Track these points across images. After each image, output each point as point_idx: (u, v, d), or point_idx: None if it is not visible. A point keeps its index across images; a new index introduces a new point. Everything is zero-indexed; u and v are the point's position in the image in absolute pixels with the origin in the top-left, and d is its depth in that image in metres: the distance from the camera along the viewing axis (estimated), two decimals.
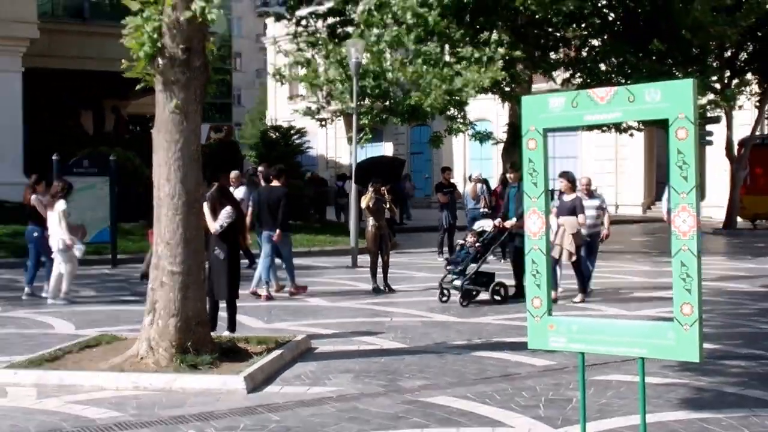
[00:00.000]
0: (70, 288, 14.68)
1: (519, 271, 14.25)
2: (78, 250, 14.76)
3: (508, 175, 15.85)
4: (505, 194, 21.22)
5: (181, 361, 8.91)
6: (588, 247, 14.46)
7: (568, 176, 14.95)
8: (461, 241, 14.96)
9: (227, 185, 15.40)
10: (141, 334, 9.38)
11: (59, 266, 14.49)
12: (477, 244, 14.21)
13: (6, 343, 10.92)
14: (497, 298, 14.00)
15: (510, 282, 14.34)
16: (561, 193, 14.46)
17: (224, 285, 10.65)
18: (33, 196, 15.28)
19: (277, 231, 14.78)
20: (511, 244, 15.03)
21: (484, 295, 14.12)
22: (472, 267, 13.94)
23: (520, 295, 13.85)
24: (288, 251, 15.77)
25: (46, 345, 10.47)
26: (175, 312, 9.15)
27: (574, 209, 14.01)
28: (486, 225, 14.91)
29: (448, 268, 14.55)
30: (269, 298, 14.94)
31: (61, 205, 14.46)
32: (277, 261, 15.59)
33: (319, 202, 33.87)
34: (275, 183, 15.97)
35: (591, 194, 15.18)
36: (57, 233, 14.39)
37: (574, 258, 14.02)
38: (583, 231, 14.14)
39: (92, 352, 9.81)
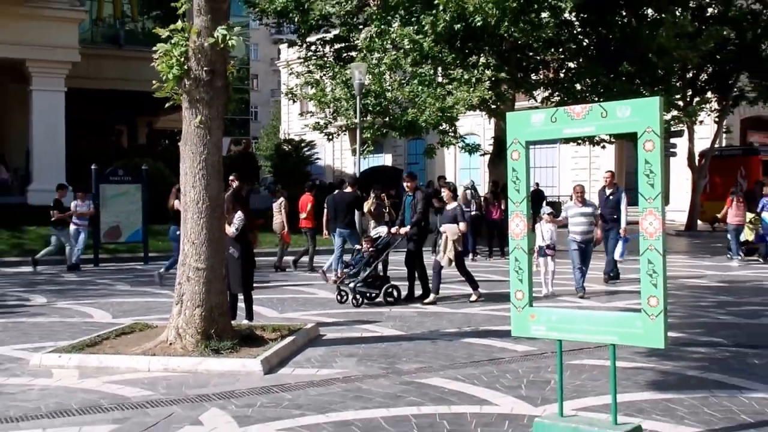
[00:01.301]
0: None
1: (411, 274, 14.07)
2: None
3: (404, 185, 15.22)
4: (470, 201, 21.46)
5: (205, 346, 8.95)
6: (582, 253, 13.99)
7: (449, 186, 14.69)
8: (358, 247, 14.58)
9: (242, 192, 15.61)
10: (170, 323, 9.42)
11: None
12: (371, 249, 13.81)
13: (51, 331, 10.94)
14: (390, 299, 13.50)
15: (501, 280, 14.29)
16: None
17: (239, 280, 10.66)
18: (176, 201, 15.27)
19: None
20: (410, 245, 14.28)
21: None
22: (365, 270, 13.48)
23: (411, 297, 13.80)
24: (354, 242, 16.20)
25: (86, 332, 10.51)
26: (200, 303, 9.20)
27: (455, 217, 13.61)
28: (381, 231, 14.54)
29: (344, 270, 14.45)
30: (335, 281, 15.18)
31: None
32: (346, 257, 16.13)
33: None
34: (348, 189, 16.91)
35: (584, 202, 14.35)
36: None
37: (453, 264, 13.51)
38: (578, 238, 13.86)
39: (127, 338, 9.84)
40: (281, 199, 19.04)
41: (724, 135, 34.85)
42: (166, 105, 9.78)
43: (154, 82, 9.54)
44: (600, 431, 5.30)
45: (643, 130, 5.11)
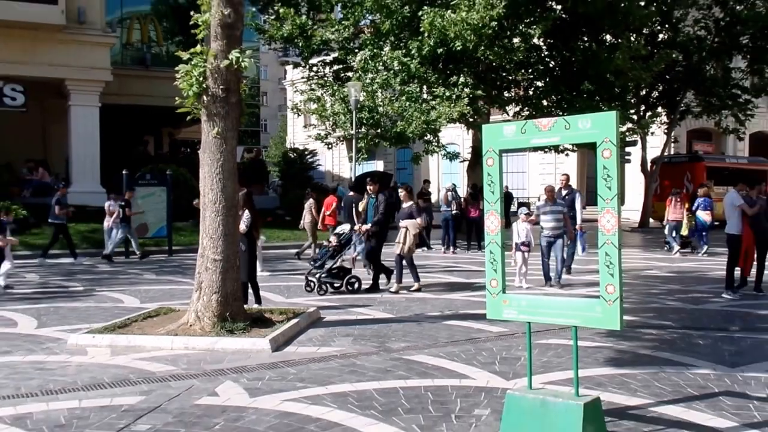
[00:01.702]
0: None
1: (377, 269, 13.79)
2: (259, 240, 15.26)
3: (368, 188, 14.94)
4: (452, 201, 21.48)
5: (221, 327, 8.98)
6: (551, 246, 13.64)
7: (405, 187, 14.70)
8: (326, 242, 14.35)
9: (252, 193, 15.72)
10: (190, 307, 9.43)
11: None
12: (335, 244, 13.65)
13: (87, 314, 10.92)
14: (350, 288, 13.28)
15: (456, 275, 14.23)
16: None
17: (245, 269, 10.62)
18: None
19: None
20: (368, 244, 14.20)
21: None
22: (329, 263, 13.28)
23: (374, 288, 13.46)
24: None
25: (117, 315, 10.51)
26: (216, 290, 9.21)
27: (411, 214, 13.60)
28: (345, 228, 14.39)
29: (310, 263, 14.29)
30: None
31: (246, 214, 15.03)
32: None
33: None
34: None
35: (554, 201, 14.05)
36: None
37: (413, 252, 13.50)
38: (548, 232, 13.61)
39: (153, 320, 9.83)
40: (310, 200, 19.13)
41: (673, 144, 34.96)
42: (187, 118, 9.79)
43: (176, 98, 9.57)
44: (564, 402, 5.29)
45: (601, 140, 5.10)
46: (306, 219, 19.05)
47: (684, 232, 20.70)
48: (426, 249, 21.61)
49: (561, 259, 13.80)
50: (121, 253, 19.86)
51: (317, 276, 13.17)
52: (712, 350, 8.37)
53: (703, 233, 20.28)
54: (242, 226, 10.58)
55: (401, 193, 14.37)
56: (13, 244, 14.23)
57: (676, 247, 20.53)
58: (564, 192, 15.97)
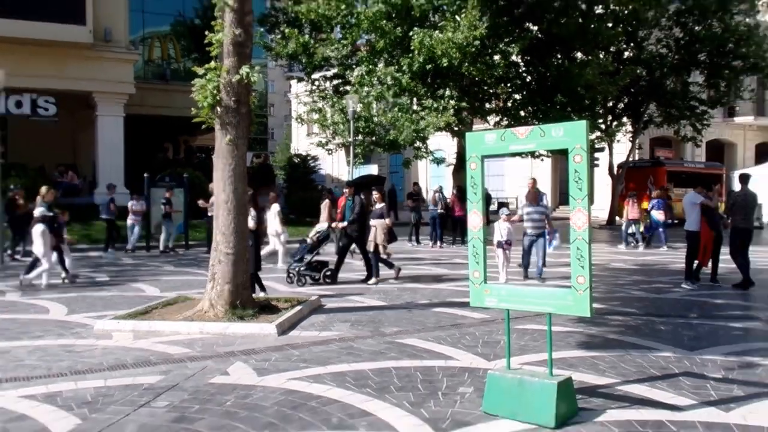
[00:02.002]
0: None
1: (339, 262, 13.60)
2: (283, 235, 16.19)
3: (344, 190, 14.98)
4: (439, 201, 21.53)
5: (232, 314, 9.00)
6: (533, 243, 13.32)
7: (379, 189, 14.69)
8: (306, 238, 14.07)
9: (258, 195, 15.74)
10: (205, 296, 9.43)
11: (275, 245, 16.10)
12: (313, 240, 13.52)
13: (112, 302, 10.92)
14: (328, 280, 13.15)
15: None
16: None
17: (252, 261, 10.60)
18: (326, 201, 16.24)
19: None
20: (344, 239, 14.10)
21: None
22: (308, 257, 13.19)
23: (334, 280, 13.25)
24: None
25: (139, 303, 10.50)
26: (228, 281, 9.22)
27: (382, 215, 13.60)
28: (323, 226, 14.35)
29: (289, 259, 14.21)
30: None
31: (276, 207, 16.02)
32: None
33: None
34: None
35: (537, 202, 13.69)
36: (273, 224, 15.77)
37: (383, 249, 13.37)
38: (531, 231, 13.32)
39: (171, 307, 9.84)
40: (326, 200, 19.12)
41: (637, 151, 35.06)
42: (202, 127, 9.78)
43: (193, 109, 9.59)
44: (539, 381, 5.31)
45: (573, 146, 5.11)
46: (323, 216, 19.00)
47: (640, 228, 21.05)
48: (415, 244, 21.66)
49: (542, 256, 13.54)
50: (141, 247, 19.86)
51: (296, 269, 13.08)
52: (672, 335, 8.41)
53: (659, 230, 20.51)
54: (251, 223, 10.59)
55: (375, 195, 14.36)
56: (70, 243, 14.64)
57: (642, 244, 20.76)
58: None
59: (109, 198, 19.80)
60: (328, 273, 13.35)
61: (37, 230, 12.74)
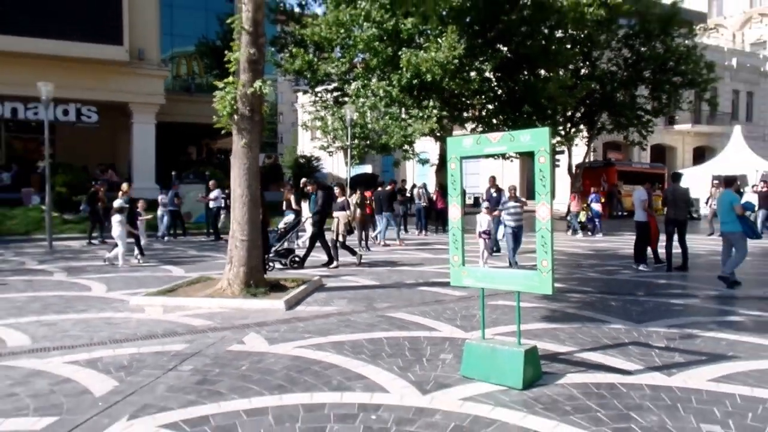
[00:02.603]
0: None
1: (308, 251, 13.06)
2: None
3: (307, 188, 14.51)
4: (422, 196, 21.54)
5: (246, 292, 8.96)
6: (515, 235, 12.84)
7: (340, 185, 14.36)
8: (277, 228, 13.58)
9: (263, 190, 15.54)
10: (223, 276, 9.40)
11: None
12: (281, 230, 13.22)
13: (144, 281, 10.83)
14: (294, 265, 12.56)
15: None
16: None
17: (260, 246, 10.46)
18: (292, 197, 15.78)
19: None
20: (313, 229, 13.21)
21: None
22: (276, 245, 12.73)
23: (301, 265, 12.66)
24: (392, 221, 18.03)
25: (167, 282, 10.42)
26: (243, 263, 9.18)
27: (343, 207, 13.31)
28: (290, 218, 14.02)
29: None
30: (386, 245, 16.69)
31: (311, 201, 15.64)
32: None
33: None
34: (388, 187, 18.50)
35: (516, 198, 13.15)
36: (306, 214, 15.39)
37: (341, 239, 12.93)
38: (512, 224, 12.78)
39: (195, 286, 9.77)
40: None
41: (592, 153, 34.98)
42: (222, 132, 9.71)
43: (213, 117, 9.52)
44: (509, 349, 5.29)
45: (538, 149, 5.07)
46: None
47: (582, 219, 21.37)
48: (404, 232, 21.60)
49: (516, 247, 12.86)
50: (170, 234, 19.75)
51: (267, 255, 12.23)
52: (622, 310, 8.41)
53: (596, 220, 21.00)
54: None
55: (336, 190, 13.77)
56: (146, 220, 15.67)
57: (580, 232, 21.15)
58: (492, 191, 15.22)
59: (173, 192, 19.79)
60: (296, 259, 12.80)
61: (116, 219, 13.03)
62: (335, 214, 13.30)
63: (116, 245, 13.03)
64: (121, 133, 29.05)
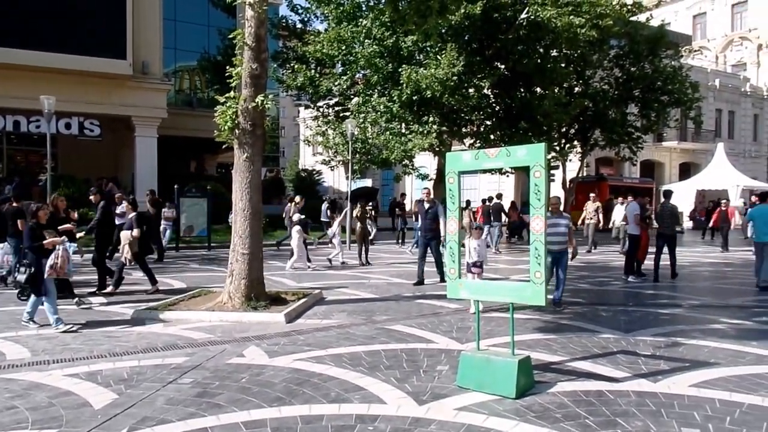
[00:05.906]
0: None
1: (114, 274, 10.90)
2: (336, 235, 16.20)
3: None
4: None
5: (247, 305, 8.91)
6: (553, 263, 9.50)
7: (131, 200, 12.43)
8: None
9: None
10: (224, 289, 9.36)
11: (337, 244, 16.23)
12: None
13: (145, 295, 10.75)
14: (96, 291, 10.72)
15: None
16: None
17: (261, 259, 10.42)
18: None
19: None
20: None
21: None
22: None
23: (101, 288, 10.84)
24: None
25: (168, 295, 10.39)
26: (244, 276, 9.14)
27: (131, 226, 10.80)
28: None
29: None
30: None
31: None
32: None
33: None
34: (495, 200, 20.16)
35: (561, 214, 9.77)
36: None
37: (133, 260, 10.81)
38: (553, 247, 9.28)
39: (196, 299, 9.73)
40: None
41: (585, 168, 35.11)
42: (223, 146, 9.73)
43: (215, 131, 9.50)
44: (503, 359, 5.28)
45: (533, 164, 5.10)
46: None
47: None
48: (397, 245, 21.55)
49: (563, 279, 9.69)
50: (171, 248, 19.71)
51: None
52: (611, 320, 8.44)
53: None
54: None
55: (125, 206, 11.98)
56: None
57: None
58: (427, 206, 12.24)
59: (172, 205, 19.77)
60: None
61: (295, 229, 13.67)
62: (121, 234, 11.05)
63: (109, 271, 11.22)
64: (124, 146, 29.05)
